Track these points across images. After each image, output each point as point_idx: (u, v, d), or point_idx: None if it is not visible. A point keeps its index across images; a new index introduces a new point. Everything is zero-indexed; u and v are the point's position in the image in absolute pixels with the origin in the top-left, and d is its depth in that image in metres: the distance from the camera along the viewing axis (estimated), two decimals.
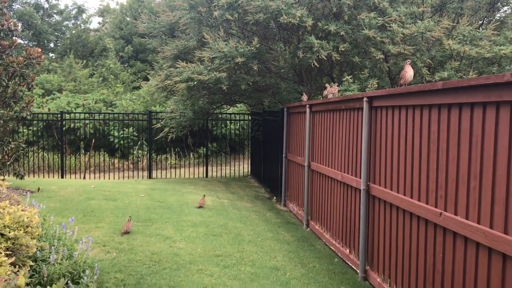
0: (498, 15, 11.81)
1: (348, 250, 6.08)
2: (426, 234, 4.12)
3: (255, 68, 10.10)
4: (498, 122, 3.19)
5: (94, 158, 15.33)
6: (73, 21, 30.24)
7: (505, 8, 11.87)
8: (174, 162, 16.29)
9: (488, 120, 3.29)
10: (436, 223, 3.91)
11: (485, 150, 3.32)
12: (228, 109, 15.95)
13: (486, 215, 3.30)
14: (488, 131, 3.29)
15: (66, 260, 4.17)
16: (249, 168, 14.88)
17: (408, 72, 5.15)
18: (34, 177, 12.96)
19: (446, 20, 9.95)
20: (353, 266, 5.81)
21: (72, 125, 16.19)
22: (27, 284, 3.51)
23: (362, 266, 5.49)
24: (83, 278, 4.09)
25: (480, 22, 11.73)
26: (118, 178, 13.53)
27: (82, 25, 30.01)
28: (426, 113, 4.13)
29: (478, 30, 9.72)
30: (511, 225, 3.06)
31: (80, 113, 15.47)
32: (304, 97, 9.40)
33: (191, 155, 16.94)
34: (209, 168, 14.56)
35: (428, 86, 4.03)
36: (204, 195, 8.92)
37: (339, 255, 6.30)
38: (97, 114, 16.10)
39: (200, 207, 8.35)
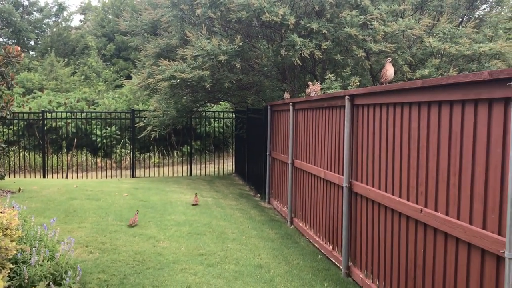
0: (477, 13, 11.97)
1: (331, 247, 6.13)
2: (408, 230, 4.17)
3: (238, 66, 10.09)
4: (476, 120, 3.24)
5: (77, 158, 15.17)
6: (53, 19, 29.85)
7: (484, 6, 12.04)
8: (157, 160, 16.21)
9: (467, 118, 3.35)
10: (417, 219, 3.97)
11: (464, 147, 3.37)
12: (212, 107, 15.91)
13: (466, 211, 3.35)
14: (467, 129, 3.34)
15: (47, 261, 4.13)
16: (234, 166, 14.88)
17: (389, 70, 5.20)
18: (15, 177, 12.78)
19: (427, 18, 10.05)
20: (336, 263, 5.86)
21: (53, 124, 15.99)
22: (7, 287, 3.47)
23: (345, 262, 5.54)
24: (65, 279, 4.06)
25: (460, 19, 11.87)
26: (101, 178, 13.42)
27: (63, 22, 29.64)
28: (406, 111, 4.17)
29: (458, 28, 9.84)
30: (490, 221, 3.11)
31: (62, 112, 15.30)
32: (287, 95, 9.43)
33: (175, 153, 16.87)
34: (193, 166, 14.52)
35: (408, 84, 4.08)
36: (196, 193, 8.96)
37: (323, 251, 6.35)
38: (79, 113, 15.93)
39: (195, 204, 8.51)
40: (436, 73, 9.21)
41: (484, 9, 12.11)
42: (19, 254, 4.04)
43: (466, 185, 3.35)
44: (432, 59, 9.53)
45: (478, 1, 11.53)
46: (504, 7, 13.29)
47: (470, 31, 9.75)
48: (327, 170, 6.31)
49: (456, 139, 3.46)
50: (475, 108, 3.25)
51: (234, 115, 15.03)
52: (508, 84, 2.82)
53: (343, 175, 5.62)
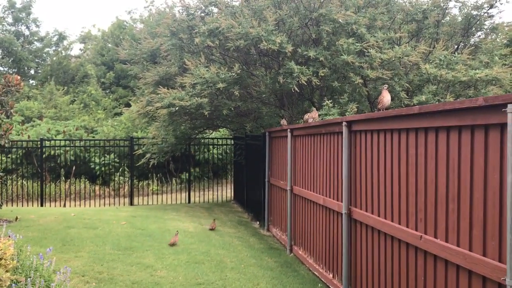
0: (473, 40, 12.13)
1: (331, 275, 6.05)
2: (408, 257, 4.12)
3: (237, 94, 10.16)
4: (473, 145, 3.25)
5: (75, 186, 15.11)
6: (54, 48, 30.17)
7: (479, 33, 12.20)
8: (156, 188, 16.14)
9: (463, 143, 3.35)
10: (417, 246, 3.93)
11: (462, 173, 3.37)
12: (211, 133, 15.94)
13: (465, 237, 3.33)
14: (464, 154, 3.34)
15: None
16: (232, 193, 14.82)
17: (386, 97, 5.24)
18: (12, 205, 12.70)
19: (423, 45, 10.18)
20: None
21: (52, 152, 15.98)
22: None
23: None
24: None
25: (456, 46, 12.03)
26: (99, 206, 13.33)
27: (63, 51, 29.93)
28: (404, 137, 4.18)
29: (454, 55, 9.96)
30: (490, 248, 3.08)
31: (60, 140, 15.30)
32: (283, 122, 9.46)
33: (174, 180, 16.81)
34: (192, 193, 14.45)
35: (405, 110, 4.10)
36: (214, 219, 9.25)
37: (323, 280, 6.26)
38: (78, 141, 15.94)
39: (212, 229, 8.84)
40: (433, 99, 9.27)
41: (479, 36, 12.28)
42: (13, 284, 3.98)
43: (465, 211, 3.33)
44: (429, 85, 9.61)
45: (474, 28, 11.70)
46: (499, 34, 13.48)
47: (466, 58, 9.87)
48: (326, 196, 6.28)
49: (453, 165, 3.46)
50: (471, 134, 3.26)
51: (232, 142, 15.05)
52: (503, 109, 2.83)
53: (342, 201, 5.59)
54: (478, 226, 3.19)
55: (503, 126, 2.93)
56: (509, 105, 2.77)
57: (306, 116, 8.01)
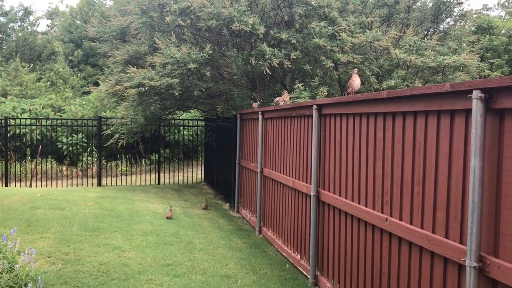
0: (442, 26, 12.32)
1: (299, 256, 6.14)
2: (373, 239, 4.21)
3: (208, 75, 10.07)
4: (439, 130, 3.31)
5: (41, 165, 14.79)
6: (19, 23, 29.15)
7: (448, 19, 12.40)
8: (125, 169, 15.95)
9: (430, 128, 3.41)
10: (383, 228, 4.01)
11: (427, 157, 3.44)
12: (181, 114, 15.80)
13: (429, 220, 3.41)
14: (430, 139, 3.41)
15: (6, 273, 3.98)
16: (203, 174, 14.79)
17: (355, 81, 5.27)
18: None
19: (394, 30, 10.29)
20: (304, 272, 5.87)
21: (17, 131, 15.57)
22: None
23: (312, 271, 5.55)
24: None
25: (426, 32, 12.19)
26: (67, 186, 13.11)
27: (29, 27, 28.98)
28: (372, 121, 4.23)
29: (424, 40, 10.10)
30: (452, 230, 3.17)
31: (26, 118, 14.92)
32: (254, 105, 9.45)
33: (143, 161, 16.64)
34: (162, 175, 14.36)
35: (373, 95, 4.14)
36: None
37: (291, 261, 6.35)
38: (45, 120, 15.56)
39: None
40: (402, 84, 9.41)
41: (449, 22, 12.48)
42: None
43: (430, 194, 3.40)
44: (398, 70, 9.74)
45: (443, 15, 11.88)
46: (468, 21, 13.72)
47: (435, 44, 10.02)
48: (295, 179, 6.33)
49: (420, 149, 3.52)
50: (438, 119, 3.32)
51: (203, 123, 14.96)
52: (468, 96, 2.89)
53: (311, 184, 5.64)
54: (442, 209, 3.27)
55: (468, 112, 3.00)
56: (474, 91, 2.83)
57: (277, 99, 8.01)
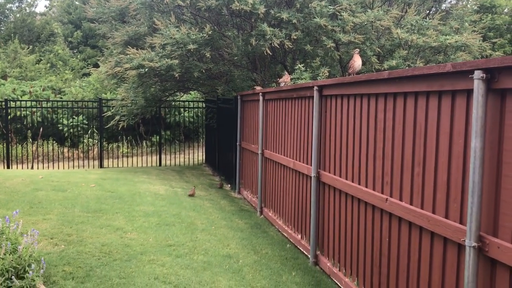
0: (444, 5, 12.19)
1: (299, 236, 6.18)
2: (373, 220, 4.23)
3: (208, 55, 10.00)
4: (440, 111, 3.30)
5: (43, 147, 14.81)
6: (17, 4, 28.86)
7: None
8: (126, 150, 15.97)
9: (431, 109, 3.40)
10: (383, 208, 4.03)
11: (428, 137, 3.43)
12: (182, 96, 15.75)
13: (429, 200, 3.42)
14: (431, 120, 3.40)
15: (9, 254, 4.02)
16: (204, 156, 14.81)
17: (357, 62, 5.24)
18: None
19: (395, 9, 10.18)
20: (304, 252, 5.92)
21: (18, 113, 15.55)
22: None
23: (313, 251, 5.60)
24: (28, 273, 3.97)
25: (428, 11, 12.07)
26: (68, 168, 13.16)
27: (27, 8, 28.69)
28: (373, 102, 4.22)
29: (425, 20, 10.00)
30: (452, 210, 3.18)
31: (26, 101, 14.89)
32: (258, 88, 9.41)
33: (144, 143, 16.66)
34: (163, 156, 14.39)
35: (374, 75, 4.12)
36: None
37: (291, 241, 6.40)
38: (45, 102, 15.52)
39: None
40: (403, 64, 9.35)
41: (451, 1, 12.34)
42: None
43: (430, 175, 3.41)
44: (400, 50, 9.67)
45: None
46: (470, 0, 13.56)
47: (437, 23, 9.93)
48: (296, 160, 6.34)
49: (420, 130, 3.52)
50: (439, 99, 3.31)
51: (204, 105, 14.92)
52: (470, 76, 2.87)
53: (311, 165, 5.65)
54: (442, 189, 3.28)
55: (469, 92, 2.98)
56: (476, 72, 2.81)
57: (280, 80, 7.99)
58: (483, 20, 17.32)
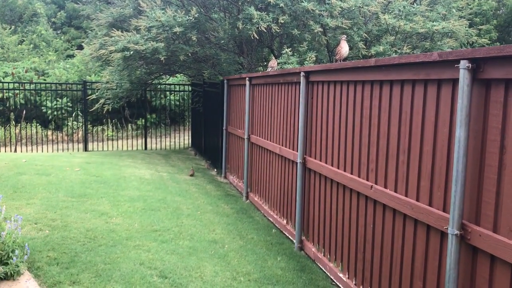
0: None
1: (285, 221, 6.22)
2: (358, 206, 4.27)
3: (194, 39, 9.89)
4: (426, 100, 3.31)
5: (26, 130, 14.61)
6: None
7: None
8: (111, 134, 15.84)
9: (416, 97, 3.41)
10: (368, 195, 4.06)
11: (413, 126, 3.45)
12: (168, 79, 15.61)
13: (413, 188, 3.45)
14: (416, 108, 3.41)
15: None
16: (190, 140, 14.75)
17: (344, 48, 5.22)
18: None
19: None
20: (290, 237, 5.96)
21: (0, 95, 15.28)
22: None
23: (298, 236, 5.64)
24: (12, 259, 3.94)
25: None
26: (52, 151, 13.02)
27: None
28: (359, 89, 4.22)
29: (413, 6, 9.99)
30: (435, 198, 3.22)
31: (9, 82, 14.63)
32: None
33: (130, 126, 16.52)
34: (149, 140, 14.30)
35: (361, 62, 4.11)
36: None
37: (277, 226, 6.44)
38: (28, 84, 15.27)
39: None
40: (390, 50, 9.36)
41: None
42: None
43: (415, 163, 3.44)
44: (387, 36, 9.66)
45: None
46: None
47: (424, 9, 9.93)
48: (282, 146, 6.35)
49: (406, 118, 3.53)
50: (424, 88, 3.32)
51: (190, 88, 14.81)
52: (456, 65, 2.88)
53: (297, 151, 5.66)
54: (426, 177, 3.31)
55: (455, 82, 2.99)
56: (461, 61, 2.82)
57: (268, 65, 7.96)
58: (470, 5, 17.36)
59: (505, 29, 21.72)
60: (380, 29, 9.93)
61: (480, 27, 12.58)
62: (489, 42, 15.35)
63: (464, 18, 11.51)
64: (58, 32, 25.91)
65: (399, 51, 9.50)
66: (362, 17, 9.99)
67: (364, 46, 9.66)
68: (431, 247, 3.26)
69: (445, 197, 3.12)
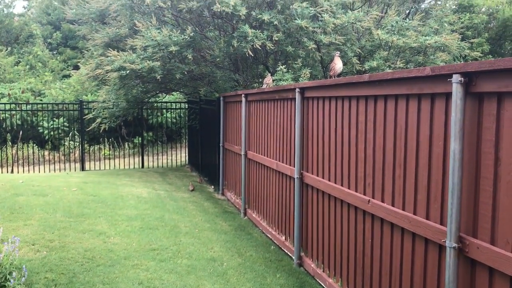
0: (423, 5, 12.34)
1: (284, 237, 6.21)
2: (356, 221, 4.28)
3: (190, 57, 9.96)
4: (420, 114, 3.35)
5: (23, 151, 14.59)
6: None
7: None
8: (108, 152, 15.84)
9: (411, 111, 3.45)
10: (365, 210, 4.07)
11: (408, 140, 3.48)
12: (164, 97, 15.66)
13: (410, 201, 3.47)
14: (411, 122, 3.45)
15: None
16: (187, 157, 14.75)
17: (337, 64, 5.28)
18: None
19: (375, 10, 10.28)
20: (288, 253, 5.95)
21: None
22: None
23: (297, 253, 5.63)
24: (9, 281, 3.92)
25: (407, 12, 12.21)
26: (49, 171, 12.99)
27: (4, 9, 28.19)
28: (354, 104, 4.26)
29: (405, 21, 10.12)
30: (432, 211, 3.24)
31: (5, 103, 14.65)
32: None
33: (126, 145, 16.52)
34: (145, 158, 14.29)
35: (355, 78, 4.16)
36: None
37: (276, 242, 6.42)
38: (25, 105, 15.29)
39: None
40: (384, 65, 9.45)
41: (430, 2, 12.50)
42: None
43: (411, 176, 3.46)
44: (380, 51, 9.76)
45: None
46: (449, 1, 13.76)
47: (417, 24, 10.05)
48: (279, 161, 6.37)
49: (401, 132, 3.56)
50: (418, 102, 3.36)
51: (186, 106, 14.86)
52: (448, 79, 2.92)
53: (294, 166, 5.68)
54: (423, 191, 3.33)
55: (448, 96, 3.03)
56: (454, 75, 2.86)
57: (264, 81, 8.03)
58: (462, 19, 17.59)
59: (497, 42, 21.98)
60: (373, 44, 10.04)
61: (472, 40, 12.74)
62: (482, 55, 15.51)
63: (456, 32, 11.66)
64: (54, 52, 26.04)
65: (392, 65, 9.59)
66: (355, 33, 10.11)
67: (358, 61, 9.75)
68: (430, 261, 3.27)
69: (442, 210, 3.14)
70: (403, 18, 10.46)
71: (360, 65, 9.65)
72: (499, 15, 21.84)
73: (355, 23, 9.51)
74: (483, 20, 21.10)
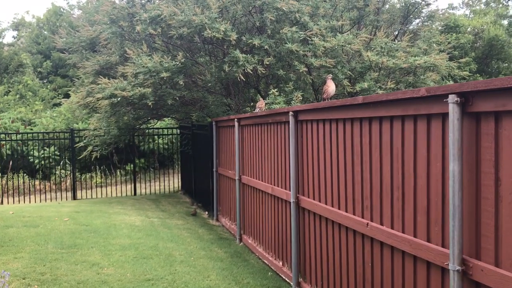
0: (411, 27, 12.52)
1: (281, 263, 6.10)
2: (355, 245, 4.20)
3: (181, 83, 9.96)
4: (416, 134, 3.32)
5: (13, 181, 14.39)
6: None
7: (417, 20, 12.61)
8: (100, 180, 15.66)
9: (407, 133, 3.42)
10: (364, 233, 4.00)
11: (405, 161, 3.44)
12: (156, 123, 15.62)
13: (410, 224, 3.41)
14: (407, 143, 3.42)
15: None
16: (180, 183, 14.62)
17: (330, 87, 5.28)
18: None
19: (364, 32, 10.40)
20: (286, 279, 5.83)
21: None
22: None
23: (295, 278, 5.52)
24: None
25: (396, 33, 12.37)
26: (40, 201, 12.79)
27: None
28: (348, 127, 4.23)
29: (394, 42, 10.24)
30: (433, 233, 3.18)
31: None
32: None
33: (118, 172, 16.37)
34: (138, 185, 14.14)
35: (349, 100, 4.14)
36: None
37: (273, 268, 6.31)
38: (15, 134, 15.16)
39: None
40: (375, 86, 9.50)
41: (418, 23, 12.68)
42: None
43: (409, 198, 3.41)
44: (371, 73, 9.83)
45: (412, 16, 12.06)
46: (436, 22, 13.98)
47: (406, 45, 10.17)
48: (274, 185, 6.30)
49: (397, 154, 3.53)
50: (414, 123, 3.33)
51: (178, 131, 14.81)
52: (445, 100, 2.90)
53: (290, 190, 5.62)
54: (422, 213, 3.28)
55: (444, 116, 3.01)
56: (450, 96, 2.84)
57: (256, 105, 8.03)
58: (449, 39, 17.88)
59: (483, 61, 22.32)
60: (363, 66, 10.11)
61: (460, 60, 12.89)
62: (470, 74, 15.70)
63: (445, 51, 11.80)
64: (45, 81, 26.03)
65: (383, 86, 9.65)
66: (345, 55, 10.19)
67: (348, 83, 9.80)
68: (433, 284, 3.19)
69: (443, 232, 3.08)
70: (392, 40, 10.59)
71: (351, 87, 9.70)
72: (485, 35, 22.24)
73: (344, 45, 9.59)
74: (469, 40, 21.46)
